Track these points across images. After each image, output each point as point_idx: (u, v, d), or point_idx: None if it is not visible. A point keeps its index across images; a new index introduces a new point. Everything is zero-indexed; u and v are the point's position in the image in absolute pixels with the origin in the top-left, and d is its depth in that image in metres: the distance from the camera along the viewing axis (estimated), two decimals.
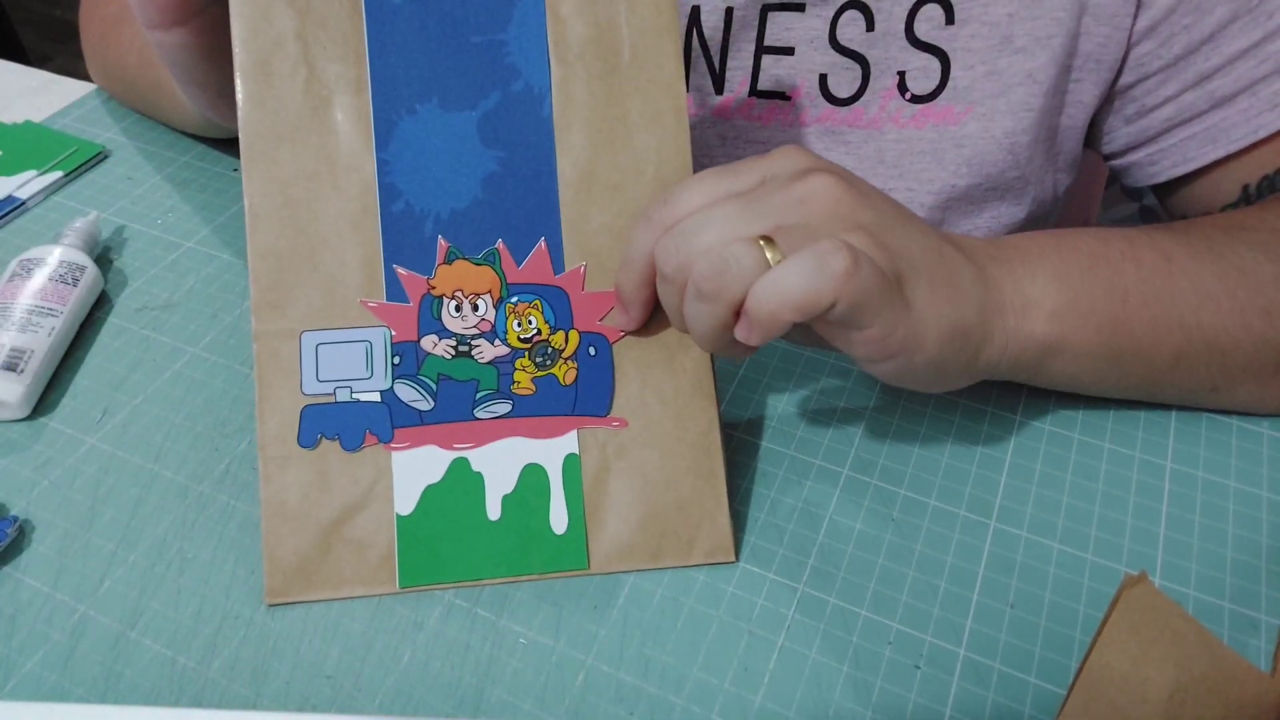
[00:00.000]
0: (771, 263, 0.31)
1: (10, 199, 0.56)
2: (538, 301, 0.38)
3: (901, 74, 0.49)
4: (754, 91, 0.51)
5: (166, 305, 0.50)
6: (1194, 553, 0.38)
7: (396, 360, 0.37)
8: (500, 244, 0.38)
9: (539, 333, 0.38)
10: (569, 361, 0.38)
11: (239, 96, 0.37)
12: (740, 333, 0.32)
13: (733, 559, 0.38)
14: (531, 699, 0.34)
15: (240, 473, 0.42)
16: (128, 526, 0.40)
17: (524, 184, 0.38)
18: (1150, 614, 0.35)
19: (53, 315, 0.46)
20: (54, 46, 2.25)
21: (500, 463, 0.37)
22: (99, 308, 0.50)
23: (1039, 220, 0.55)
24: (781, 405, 0.44)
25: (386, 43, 0.37)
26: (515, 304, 0.38)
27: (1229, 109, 0.46)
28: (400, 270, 0.38)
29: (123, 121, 0.63)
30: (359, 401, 0.37)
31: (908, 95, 0.49)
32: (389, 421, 0.37)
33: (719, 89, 0.51)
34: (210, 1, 0.40)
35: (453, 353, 0.38)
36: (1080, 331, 0.39)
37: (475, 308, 0.38)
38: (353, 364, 0.37)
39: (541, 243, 0.38)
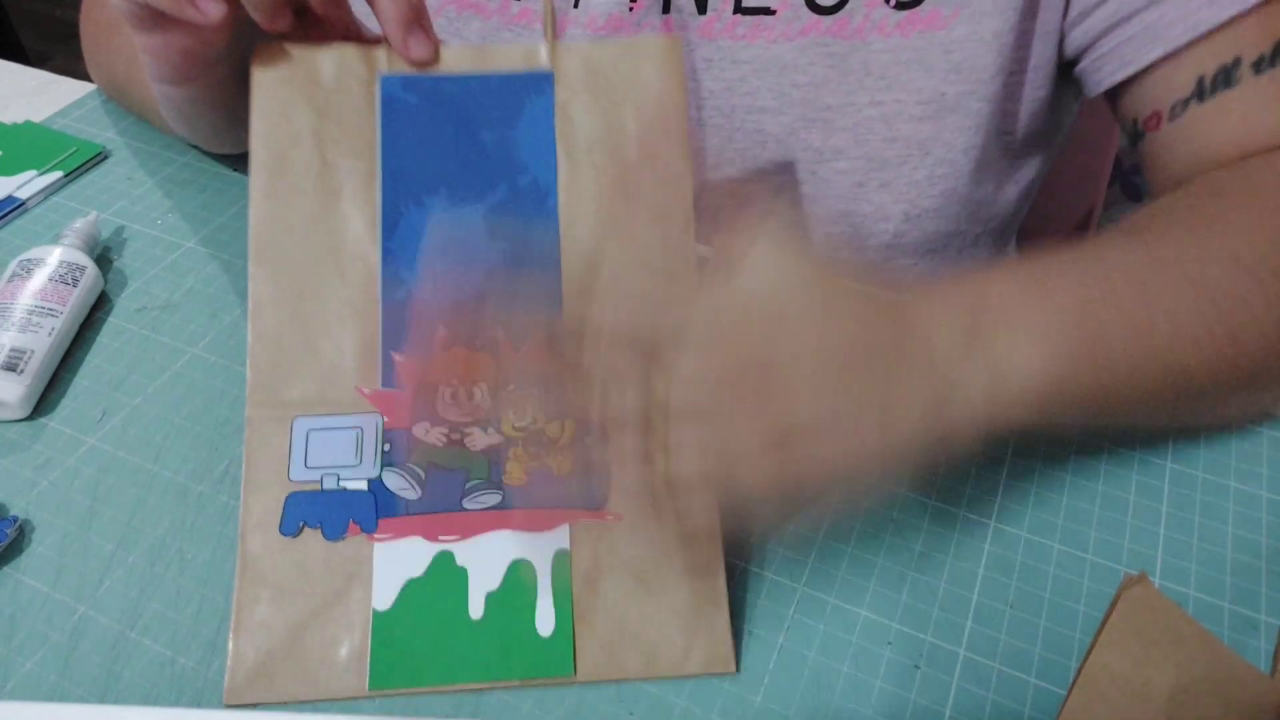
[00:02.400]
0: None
1: (10, 199, 0.56)
2: (534, 391, 0.38)
3: None
4: (738, 8, 0.50)
5: (166, 305, 0.50)
6: (1194, 553, 0.38)
7: (387, 447, 0.37)
8: (500, 333, 0.38)
9: (534, 422, 0.37)
10: (564, 452, 0.37)
11: (253, 188, 0.38)
12: None
13: (732, 670, 0.35)
14: (531, 699, 0.34)
15: (240, 473, 0.42)
16: (127, 527, 0.40)
17: (527, 275, 0.38)
18: (1150, 615, 0.35)
19: (53, 315, 0.46)
20: (54, 47, 2.25)
21: (486, 557, 0.36)
22: (99, 308, 0.50)
23: (1026, 140, 0.55)
24: None
25: (399, 138, 0.39)
26: (511, 392, 0.37)
27: (1165, 5, 0.45)
28: (398, 357, 0.37)
29: (123, 121, 0.63)
30: (345, 490, 0.36)
31: (892, 2, 0.48)
32: (374, 511, 0.36)
33: (701, 9, 0.50)
34: (220, 61, 0.40)
35: (445, 440, 0.37)
36: (1063, 404, 0.36)
37: (470, 395, 0.37)
38: (342, 451, 0.37)
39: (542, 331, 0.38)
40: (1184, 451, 0.42)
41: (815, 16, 0.49)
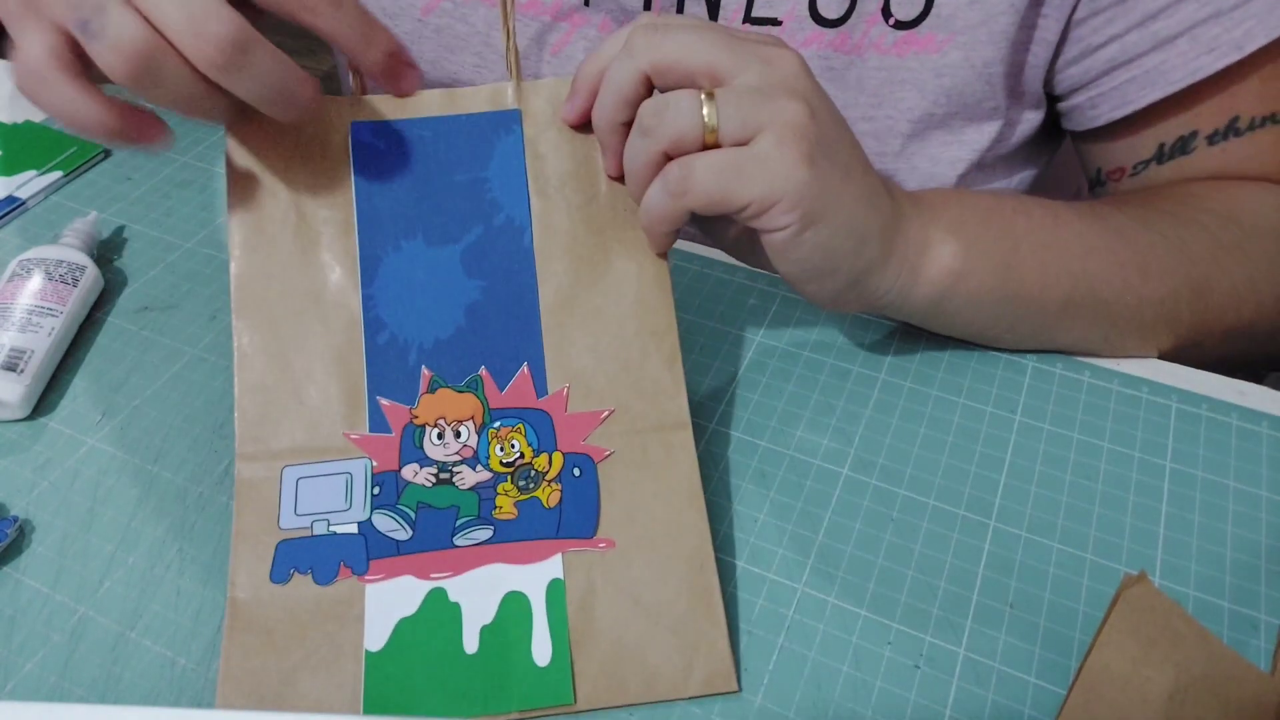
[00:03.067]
0: (705, 117, 0.34)
1: (10, 199, 0.56)
2: (521, 425, 0.38)
3: None
4: (748, 17, 0.51)
5: (166, 305, 0.50)
6: (1193, 553, 0.38)
7: (376, 491, 0.37)
8: (483, 370, 0.38)
9: (522, 456, 0.38)
10: (553, 484, 0.37)
11: (231, 242, 0.38)
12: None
13: (734, 688, 0.34)
14: None
15: None
16: (127, 527, 0.40)
17: (506, 312, 0.39)
18: (1150, 614, 0.35)
19: (53, 315, 0.46)
20: None
21: (479, 592, 0.35)
22: (99, 308, 0.50)
23: (1004, 157, 0.56)
24: (781, 405, 0.44)
25: (373, 185, 0.39)
26: (498, 429, 0.38)
27: (1169, 51, 0.47)
28: (384, 401, 0.38)
29: None
30: (335, 534, 0.36)
31: (891, 20, 0.49)
32: (364, 553, 0.36)
33: (714, 16, 0.51)
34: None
35: (434, 480, 0.37)
36: (976, 276, 0.41)
37: (457, 434, 0.38)
38: (331, 497, 0.37)
39: (524, 368, 0.38)
40: (1183, 451, 0.42)
41: (818, 29, 0.50)
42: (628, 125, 0.37)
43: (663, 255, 0.40)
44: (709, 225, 0.41)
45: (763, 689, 0.35)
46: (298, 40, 0.43)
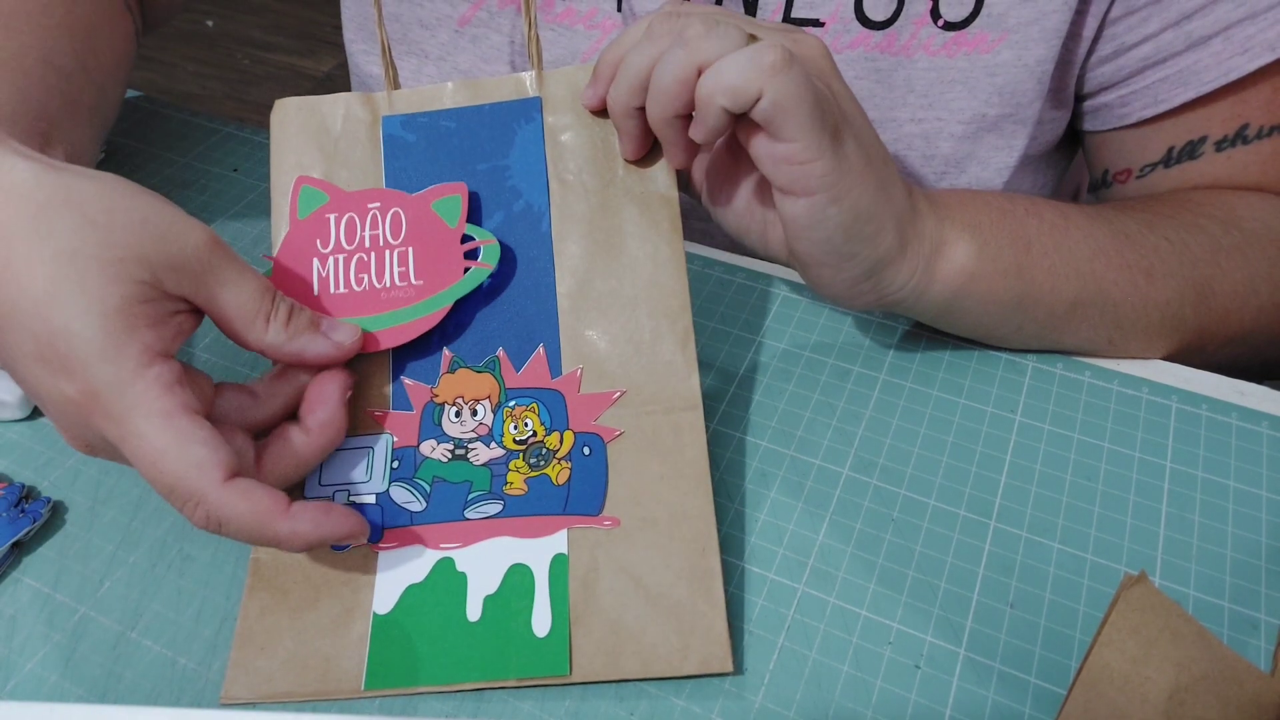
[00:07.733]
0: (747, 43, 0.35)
1: None
2: (534, 405, 0.39)
3: None
4: (787, 17, 0.50)
5: None
6: (1194, 553, 0.38)
7: (395, 464, 0.38)
8: (500, 352, 0.40)
9: (534, 434, 0.39)
10: (563, 462, 0.38)
11: (275, 236, 0.40)
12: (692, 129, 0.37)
13: (729, 670, 0.34)
14: (531, 699, 0.34)
15: None
16: (128, 527, 0.40)
17: (524, 295, 0.40)
18: (1150, 614, 0.35)
19: None
20: None
21: (486, 563, 0.36)
22: None
23: (1034, 159, 0.56)
24: (782, 405, 0.44)
25: (401, 174, 0.41)
26: (513, 408, 0.39)
27: (1203, 51, 0.47)
28: (407, 381, 0.40)
29: (123, 121, 0.63)
30: (354, 503, 0.38)
31: (940, 22, 0.49)
32: (380, 522, 0.37)
33: (751, 15, 0.50)
34: None
35: (449, 456, 0.38)
36: (989, 277, 0.41)
37: (474, 413, 0.39)
38: (354, 469, 0.38)
39: (540, 349, 0.39)
40: (1183, 451, 0.42)
41: (864, 30, 0.50)
42: (643, 109, 0.38)
43: (677, 232, 0.40)
44: (724, 199, 0.41)
45: (763, 689, 0.35)
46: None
